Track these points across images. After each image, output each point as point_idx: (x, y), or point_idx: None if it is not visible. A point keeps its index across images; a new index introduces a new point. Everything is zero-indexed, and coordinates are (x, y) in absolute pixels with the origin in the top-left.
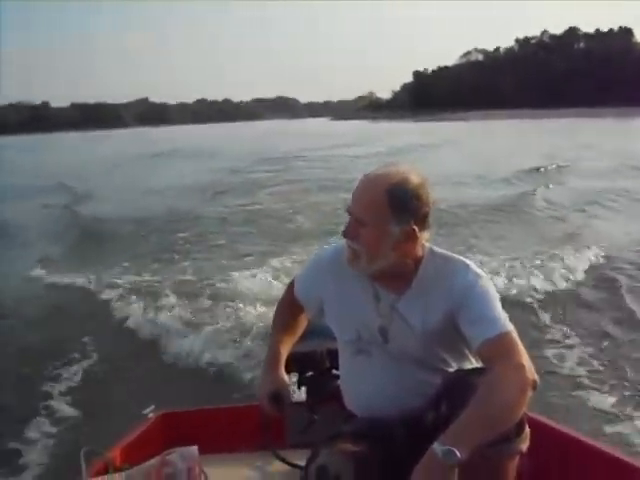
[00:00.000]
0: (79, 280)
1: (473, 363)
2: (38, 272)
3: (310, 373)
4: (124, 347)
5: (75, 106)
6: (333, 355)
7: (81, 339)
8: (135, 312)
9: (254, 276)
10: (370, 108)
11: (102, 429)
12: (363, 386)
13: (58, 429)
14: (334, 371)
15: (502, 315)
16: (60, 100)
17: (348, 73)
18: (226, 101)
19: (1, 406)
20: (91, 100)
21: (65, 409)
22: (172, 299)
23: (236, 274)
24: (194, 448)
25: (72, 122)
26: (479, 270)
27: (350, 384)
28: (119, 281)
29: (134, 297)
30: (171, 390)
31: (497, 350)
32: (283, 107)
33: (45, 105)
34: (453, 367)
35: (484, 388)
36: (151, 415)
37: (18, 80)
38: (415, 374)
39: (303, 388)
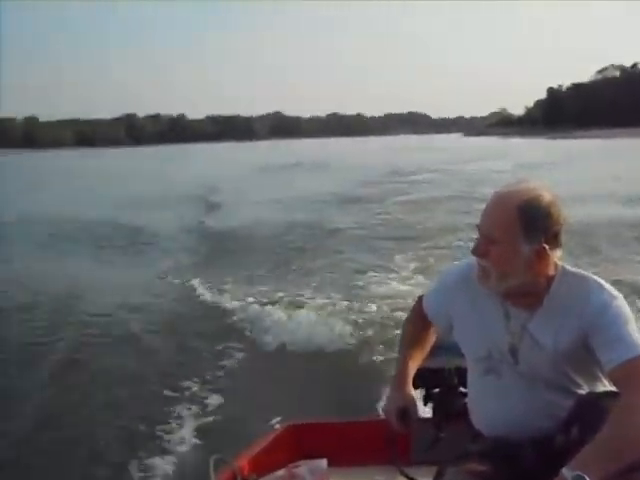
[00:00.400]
0: (207, 287)
1: (606, 385)
2: (170, 278)
3: (437, 390)
4: (256, 352)
5: (210, 118)
6: (461, 372)
7: (214, 347)
8: (269, 319)
9: (385, 280)
10: (502, 124)
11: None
12: (492, 406)
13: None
14: (462, 389)
15: (637, 337)
16: (196, 112)
17: (481, 89)
18: (358, 116)
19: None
20: (226, 113)
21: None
22: (307, 304)
23: (367, 278)
24: (323, 461)
25: (207, 134)
26: (614, 290)
27: (478, 403)
28: (253, 289)
29: (268, 304)
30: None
31: (632, 374)
32: (414, 123)
33: (182, 117)
34: (584, 389)
35: (618, 413)
36: (278, 426)
37: (159, 93)
38: (545, 395)
39: (430, 405)
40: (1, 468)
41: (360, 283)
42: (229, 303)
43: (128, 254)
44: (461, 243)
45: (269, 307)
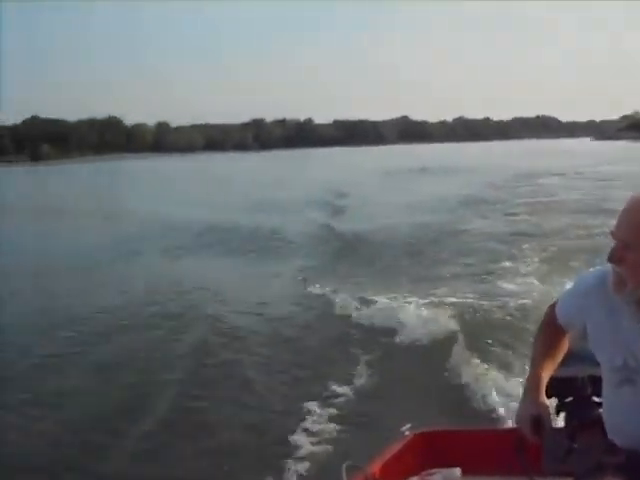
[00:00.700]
0: (334, 289)
1: None
2: (298, 280)
3: (570, 399)
4: (384, 352)
5: (337, 123)
6: (595, 381)
7: (343, 347)
8: (398, 318)
9: (513, 277)
10: (635, 128)
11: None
12: (627, 416)
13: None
14: (595, 398)
15: None
16: (322, 117)
17: (613, 92)
18: (485, 119)
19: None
20: (352, 117)
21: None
22: (438, 303)
23: (495, 276)
24: (456, 470)
25: (334, 138)
26: None
27: (613, 413)
28: (382, 289)
29: (398, 304)
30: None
31: None
32: (542, 126)
33: (309, 121)
34: None
35: None
36: (408, 433)
37: (285, 98)
38: None
39: (562, 414)
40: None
41: (489, 277)
42: (357, 304)
43: (258, 256)
44: (597, 239)
45: (400, 307)
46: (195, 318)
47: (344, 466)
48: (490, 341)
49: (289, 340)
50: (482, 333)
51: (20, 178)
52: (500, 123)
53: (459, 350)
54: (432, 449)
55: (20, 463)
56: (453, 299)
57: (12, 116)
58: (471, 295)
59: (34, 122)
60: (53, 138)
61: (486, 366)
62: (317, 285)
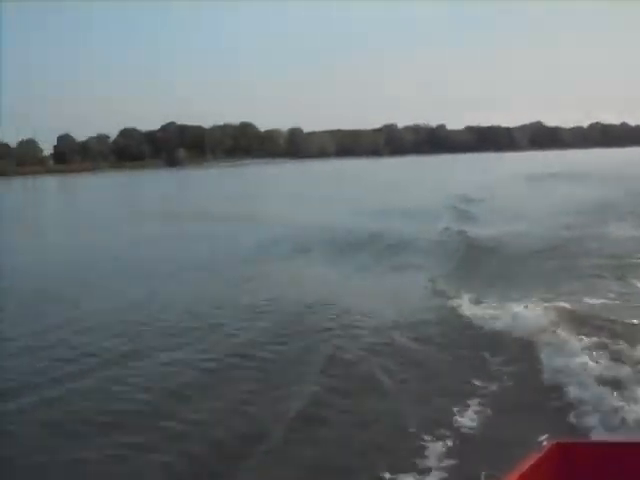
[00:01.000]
0: (465, 297)
1: None
2: (427, 287)
3: None
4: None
5: (470, 129)
6: None
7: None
8: (533, 329)
9: None
10: None
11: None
12: None
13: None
14: None
15: None
16: (455, 123)
17: None
18: (623, 125)
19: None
20: (485, 124)
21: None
22: (573, 315)
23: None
24: None
25: (466, 144)
26: None
27: None
28: (515, 296)
29: (529, 315)
30: None
31: None
32: None
33: (441, 127)
34: None
35: None
36: (545, 444)
37: (416, 106)
38: None
39: None
40: None
41: (628, 281)
42: (492, 309)
43: (394, 260)
44: None
45: (533, 311)
46: (328, 316)
47: (483, 474)
48: (626, 346)
49: (420, 349)
50: (617, 337)
51: (164, 181)
52: (638, 129)
53: (593, 355)
54: (570, 461)
55: None
56: (592, 300)
57: (150, 122)
58: (611, 295)
59: (170, 128)
60: (188, 143)
61: (625, 372)
62: (449, 289)
